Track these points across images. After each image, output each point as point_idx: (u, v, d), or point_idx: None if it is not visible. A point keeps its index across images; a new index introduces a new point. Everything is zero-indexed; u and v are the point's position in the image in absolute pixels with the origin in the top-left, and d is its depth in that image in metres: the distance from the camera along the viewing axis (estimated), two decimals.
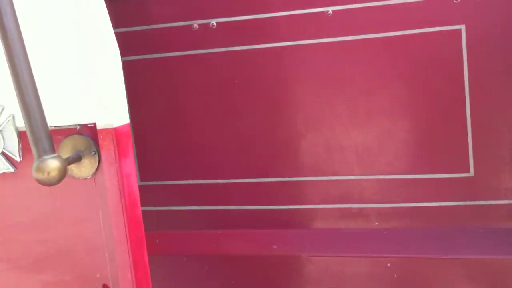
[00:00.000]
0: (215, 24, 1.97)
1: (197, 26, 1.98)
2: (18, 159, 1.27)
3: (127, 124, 1.20)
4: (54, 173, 1.11)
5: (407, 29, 1.80)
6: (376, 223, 1.95)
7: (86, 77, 1.17)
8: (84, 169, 1.23)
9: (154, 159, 2.14)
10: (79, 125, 1.21)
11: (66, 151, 1.23)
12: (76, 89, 1.18)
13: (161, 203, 2.15)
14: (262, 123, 2.01)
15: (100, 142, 1.18)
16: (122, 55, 2.03)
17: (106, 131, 1.17)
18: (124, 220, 1.19)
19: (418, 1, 1.78)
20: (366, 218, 1.96)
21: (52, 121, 1.21)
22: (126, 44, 2.04)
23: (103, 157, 1.18)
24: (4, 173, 1.29)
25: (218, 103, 2.03)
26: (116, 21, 2.03)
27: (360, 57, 1.86)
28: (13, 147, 1.26)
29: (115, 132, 1.17)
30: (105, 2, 1.22)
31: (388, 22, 1.82)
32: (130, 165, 1.21)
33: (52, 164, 1.11)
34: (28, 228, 1.33)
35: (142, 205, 1.26)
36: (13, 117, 1.25)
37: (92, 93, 1.17)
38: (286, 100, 1.97)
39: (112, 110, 1.17)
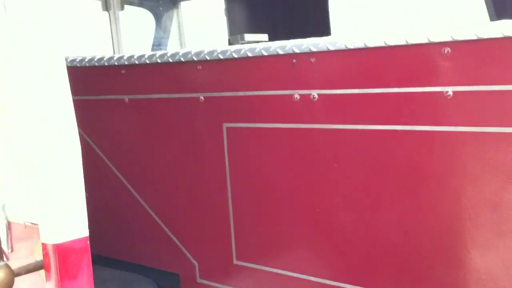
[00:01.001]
0: (316, 96, 1.65)
1: (298, 97, 1.69)
2: (7, 250, 1.20)
3: (81, 239, 1.02)
4: None
5: None
6: None
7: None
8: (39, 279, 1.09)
9: (251, 238, 1.91)
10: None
11: (37, 254, 1.11)
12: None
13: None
14: (364, 217, 1.62)
15: (44, 258, 1.02)
16: (223, 121, 1.87)
17: (46, 245, 1.01)
18: None
19: None
20: None
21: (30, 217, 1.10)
22: (229, 109, 1.87)
23: (46, 275, 1.03)
24: None
25: (312, 186, 1.70)
26: (219, 86, 1.87)
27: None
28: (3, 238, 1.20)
29: (57, 250, 1.00)
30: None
31: None
32: (81, 286, 1.02)
33: None
34: None
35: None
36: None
37: (40, 196, 1.02)
38: (399, 200, 1.55)
39: (60, 220, 1.01)
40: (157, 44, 4.92)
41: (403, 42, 1.46)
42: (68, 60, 2.30)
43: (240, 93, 1.83)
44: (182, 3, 5.19)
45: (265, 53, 1.74)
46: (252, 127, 1.81)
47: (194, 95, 1.95)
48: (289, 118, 1.72)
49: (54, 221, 1.01)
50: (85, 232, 1.03)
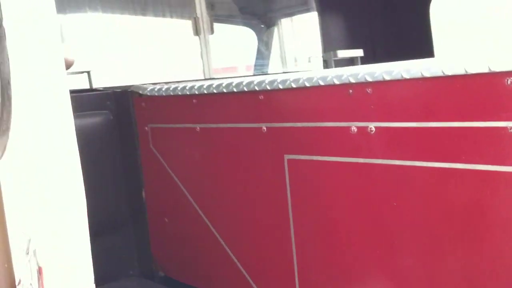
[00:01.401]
0: (373, 129, 1.55)
1: (355, 129, 1.60)
2: None
3: None
4: None
5: None
6: None
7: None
8: None
9: (313, 270, 1.83)
10: None
11: None
12: None
13: None
14: (423, 261, 1.48)
15: None
16: (285, 152, 1.82)
17: None
18: None
19: None
20: None
21: None
22: (290, 140, 1.81)
23: None
24: None
25: (371, 223, 1.59)
26: (280, 116, 1.83)
27: None
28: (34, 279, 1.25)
29: None
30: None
31: None
32: None
33: None
34: None
35: None
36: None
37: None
38: (461, 244, 1.40)
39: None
40: (260, 59, 4.98)
41: (461, 72, 1.32)
42: (148, 90, 2.39)
43: (300, 124, 1.77)
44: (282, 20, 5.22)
45: (322, 83, 1.66)
46: (312, 159, 1.75)
47: (257, 125, 1.92)
48: (347, 151, 1.63)
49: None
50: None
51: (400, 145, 1.49)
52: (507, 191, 1.27)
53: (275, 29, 5.06)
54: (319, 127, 1.71)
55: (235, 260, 2.11)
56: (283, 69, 5.35)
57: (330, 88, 1.64)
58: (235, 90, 1.97)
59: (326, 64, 3.80)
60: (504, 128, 1.25)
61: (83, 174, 1.13)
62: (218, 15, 4.19)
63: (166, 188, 2.36)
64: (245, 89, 1.93)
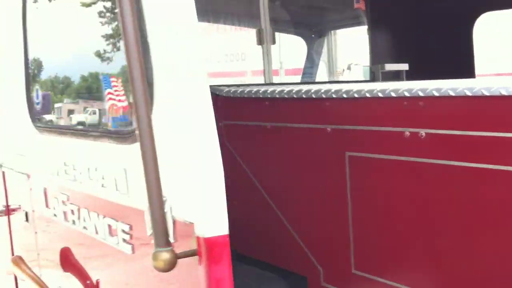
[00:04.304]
0: (423, 134, 1.93)
1: (408, 134, 1.98)
2: (172, 240, 1.67)
3: (222, 236, 1.45)
4: (162, 264, 1.46)
5: None
6: None
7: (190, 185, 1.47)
8: (194, 262, 1.53)
9: (369, 252, 2.22)
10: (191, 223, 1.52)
11: (192, 244, 1.55)
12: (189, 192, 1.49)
13: None
14: (479, 262, 1.85)
15: (198, 246, 1.46)
16: (346, 150, 2.21)
17: (200, 239, 1.45)
18: None
19: None
20: None
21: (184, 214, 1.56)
22: (351, 140, 2.21)
23: (199, 259, 1.46)
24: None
25: (426, 218, 1.97)
26: (343, 119, 2.22)
27: None
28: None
29: (206, 242, 1.43)
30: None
31: None
32: (223, 271, 1.45)
33: (163, 256, 1.46)
34: None
35: None
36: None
37: (196, 202, 1.46)
38: None
39: (208, 221, 1.44)
40: (309, 66, 5.37)
41: (497, 94, 1.69)
42: (224, 91, 2.81)
43: (361, 127, 2.16)
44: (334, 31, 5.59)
45: (381, 95, 2.06)
46: (370, 157, 2.14)
47: (322, 126, 2.32)
48: (401, 151, 2.01)
49: (206, 221, 1.44)
50: (226, 231, 1.45)
51: (445, 148, 1.87)
52: None
53: (325, 39, 5.45)
54: (377, 130, 2.10)
55: (297, 238, 2.51)
56: (328, 76, 5.74)
57: (388, 100, 2.03)
58: (304, 96, 2.38)
59: (374, 75, 4.16)
60: None
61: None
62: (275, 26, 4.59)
63: (237, 175, 2.78)
64: (313, 96, 2.33)
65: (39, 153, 2.60)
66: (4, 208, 3.38)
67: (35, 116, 2.66)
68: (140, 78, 1.39)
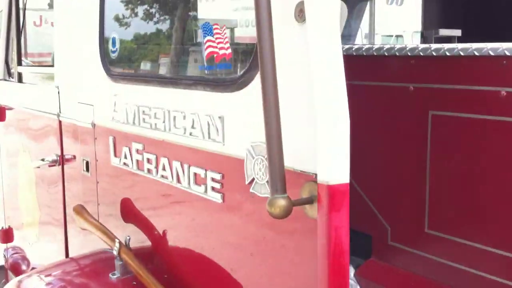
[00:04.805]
0: None
1: (505, 93, 1.95)
2: None
3: (344, 184, 1.44)
4: (278, 210, 1.46)
5: None
6: None
7: (315, 132, 1.45)
8: (311, 212, 1.53)
9: (444, 210, 2.22)
10: (315, 174, 1.51)
11: (304, 192, 1.55)
12: (310, 139, 1.48)
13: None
14: None
15: (319, 193, 1.45)
16: (430, 108, 2.18)
17: (322, 186, 1.44)
18: (327, 267, 1.44)
19: None
20: None
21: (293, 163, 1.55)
22: (436, 99, 2.18)
23: (319, 206, 1.46)
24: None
25: (502, 175, 1.96)
26: (427, 78, 2.19)
27: None
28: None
29: (329, 189, 1.42)
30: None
31: None
32: (342, 218, 1.44)
33: (280, 202, 1.46)
34: None
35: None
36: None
37: (321, 149, 1.45)
38: None
39: (332, 168, 1.43)
40: (348, 30, 5.29)
41: None
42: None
43: (448, 86, 2.13)
44: None
45: (477, 54, 2.02)
46: (457, 116, 2.11)
47: (405, 84, 2.29)
48: (496, 111, 1.99)
49: (330, 169, 1.44)
50: (348, 179, 1.45)
51: None
52: None
53: (368, 3, 5.35)
54: (468, 89, 2.07)
55: (366, 198, 2.50)
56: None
57: (486, 58, 1.99)
58: (386, 54, 2.34)
59: (426, 41, 4.11)
60: None
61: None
62: None
63: None
64: (397, 53, 2.29)
65: (110, 102, 2.58)
66: (57, 158, 3.38)
67: (109, 65, 2.63)
68: (268, 32, 1.38)
